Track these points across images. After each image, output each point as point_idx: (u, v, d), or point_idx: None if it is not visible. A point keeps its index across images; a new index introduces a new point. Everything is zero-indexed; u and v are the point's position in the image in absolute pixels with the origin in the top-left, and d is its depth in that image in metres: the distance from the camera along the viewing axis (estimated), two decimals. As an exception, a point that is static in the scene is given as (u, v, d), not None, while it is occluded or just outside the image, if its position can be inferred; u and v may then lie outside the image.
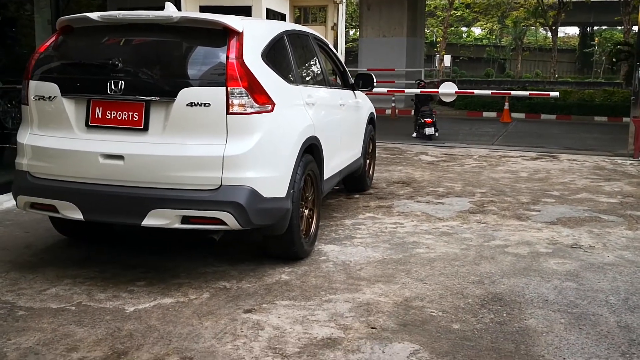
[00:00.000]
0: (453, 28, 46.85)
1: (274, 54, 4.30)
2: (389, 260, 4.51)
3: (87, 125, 3.88)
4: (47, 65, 4.01)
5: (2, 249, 4.64)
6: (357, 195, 6.75)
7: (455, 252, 4.75)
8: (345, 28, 39.28)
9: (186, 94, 3.71)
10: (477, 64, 45.20)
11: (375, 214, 5.90)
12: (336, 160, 5.34)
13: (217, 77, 3.73)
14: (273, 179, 3.96)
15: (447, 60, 36.23)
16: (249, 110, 3.78)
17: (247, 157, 3.77)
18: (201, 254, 4.55)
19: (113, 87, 3.78)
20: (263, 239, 4.35)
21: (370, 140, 6.99)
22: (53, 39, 4.14)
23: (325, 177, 4.95)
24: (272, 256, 4.44)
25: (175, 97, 3.71)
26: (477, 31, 53.74)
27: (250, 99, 3.77)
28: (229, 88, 3.71)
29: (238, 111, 3.74)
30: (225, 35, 3.87)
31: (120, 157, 3.76)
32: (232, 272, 4.22)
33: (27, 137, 4.04)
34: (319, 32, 11.76)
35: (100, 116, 3.85)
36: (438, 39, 41.12)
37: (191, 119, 3.73)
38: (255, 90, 3.83)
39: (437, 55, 38.68)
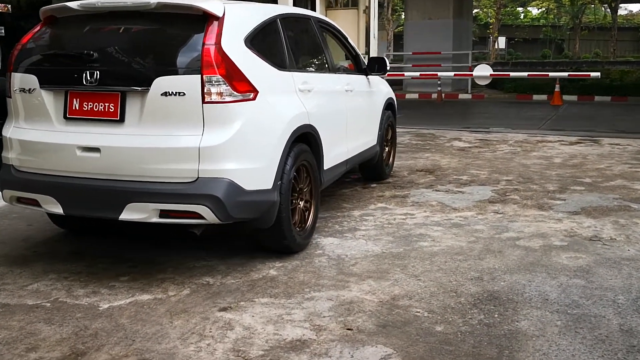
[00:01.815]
0: (508, 9, 45.42)
1: (261, 39, 4.11)
2: (387, 255, 4.28)
3: (65, 117, 3.79)
4: (27, 57, 3.94)
5: (0, 242, 4.64)
6: (374, 185, 6.51)
7: (462, 245, 4.47)
8: (395, 12, 38.63)
9: (160, 83, 3.56)
10: (533, 45, 43.77)
11: (387, 205, 5.65)
12: (341, 148, 5.11)
13: (193, 65, 3.57)
14: (255, 171, 3.78)
15: (502, 42, 35.22)
16: (227, 99, 3.61)
17: (225, 148, 3.60)
18: (195, 247, 4.42)
19: (89, 78, 3.67)
20: (254, 233, 4.19)
21: (389, 127, 6.72)
22: (36, 29, 4.07)
23: (325, 167, 4.74)
24: (265, 250, 4.28)
25: (150, 86, 3.57)
26: (534, 11, 51.94)
27: (228, 87, 3.60)
28: (204, 76, 3.54)
29: (215, 100, 3.57)
30: (204, 21, 3.70)
31: (96, 149, 3.66)
32: (220, 266, 4.08)
33: (10, 131, 3.99)
34: (349, 16, 11.51)
35: (77, 108, 3.75)
36: (491, 20, 39.94)
37: (166, 109, 3.58)
38: (235, 78, 3.65)
39: (491, 37, 37.61)
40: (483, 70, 8.96)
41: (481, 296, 3.56)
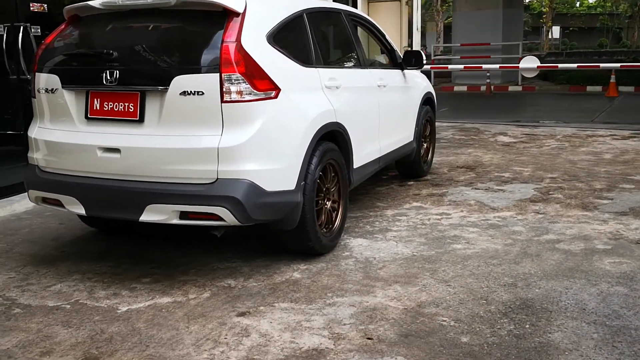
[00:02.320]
0: (563, -3, 44.04)
1: (285, 35, 3.98)
2: (417, 258, 4.11)
3: (86, 117, 3.75)
4: (51, 57, 3.92)
5: (31, 241, 4.67)
6: (411, 182, 6.32)
7: (497, 248, 4.26)
8: (445, 3, 37.89)
9: (179, 83, 3.48)
10: (590, 34, 42.32)
11: (423, 204, 5.46)
12: (372, 146, 4.95)
13: (211, 63, 3.46)
14: (277, 171, 3.66)
15: (556, 31, 34.15)
16: (247, 97, 3.49)
17: (245, 148, 3.50)
18: (221, 248, 4.35)
19: (109, 77, 3.62)
20: (279, 234, 4.08)
21: (427, 123, 6.52)
22: (60, 28, 4.05)
23: (355, 166, 4.59)
24: (290, 251, 4.17)
25: (169, 86, 3.49)
26: (590, -1, 50.19)
27: (248, 86, 3.48)
28: (223, 74, 3.43)
29: (234, 99, 3.46)
30: (224, 18, 3.60)
31: (117, 150, 3.61)
32: (243, 268, 3.99)
33: (35, 131, 3.98)
34: (392, 8, 11.28)
35: (98, 108, 3.71)
36: (545, 9, 38.77)
37: (185, 109, 3.50)
38: (255, 76, 3.54)
39: (544, 27, 36.53)
40: (530, 62, 8.59)
41: (513, 304, 3.35)
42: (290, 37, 4.07)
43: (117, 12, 3.87)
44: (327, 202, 4.25)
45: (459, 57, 21.07)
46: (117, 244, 4.56)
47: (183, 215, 3.56)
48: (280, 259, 4.11)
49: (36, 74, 3.92)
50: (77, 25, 4.01)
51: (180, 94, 3.47)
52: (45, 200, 3.97)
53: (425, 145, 6.58)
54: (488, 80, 17.44)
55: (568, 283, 3.61)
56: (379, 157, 5.12)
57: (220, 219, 3.52)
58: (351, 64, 4.89)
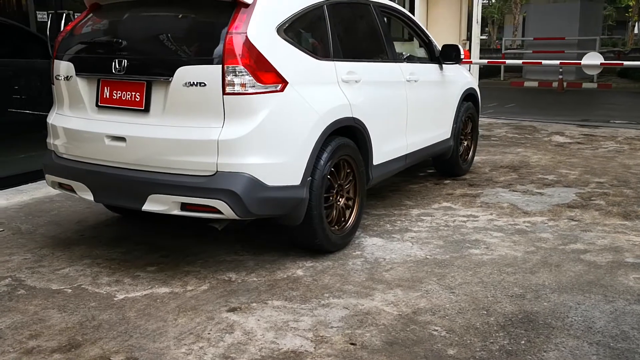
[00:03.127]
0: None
1: (300, 27, 3.90)
2: (430, 261, 3.95)
3: (97, 105, 3.80)
4: (68, 44, 3.98)
5: (56, 223, 4.80)
6: (447, 181, 6.11)
7: (516, 255, 4.04)
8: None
9: (183, 73, 3.46)
10: (681, 29, 39.78)
11: (452, 204, 5.27)
12: (398, 142, 4.80)
13: (215, 54, 3.42)
14: (280, 165, 3.59)
15: (643, 26, 32.33)
16: (250, 90, 3.43)
17: (246, 142, 3.44)
18: (234, 240, 4.33)
19: (117, 66, 3.64)
20: (288, 229, 4.01)
21: (468, 120, 6.28)
22: (81, 16, 4.12)
23: (375, 163, 4.46)
24: (299, 247, 4.10)
25: (172, 76, 3.48)
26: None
27: (252, 78, 3.42)
28: (226, 66, 3.38)
29: (237, 91, 3.41)
30: (233, 8, 3.55)
31: (122, 139, 3.63)
32: (249, 262, 3.95)
33: (53, 117, 4.07)
34: (451, 0, 10.93)
35: (108, 96, 3.74)
36: (631, 3, 36.80)
37: (188, 100, 3.48)
38: (260, 68, 3.47)
39: (629, 22, 34.72)
40: (592, 59, 8.13)
41: (515, 317, 3.16)
42: (305, 29, 3.98)
43: (133, 1, 3.89)
44: (340, 199, 4.15)
45: (531, 51, 20.31)
46: (135, 230, 4.61)
47: (184, 206, 3.55)
48: (288, 255, 4.05)
49: (55, 61, 4.00)
50: (97, 14, 4.05)
51: (183, 84, 3.45)
52: (61, 185, 4.05)
53: (465, 143, 6.34)
54: (560, 77, 16.71)
55: (582, 298, 3.38)
56: (406, 155, 4.96)
57: (218, 212, 3.48)
58: (377, 57, 4.74)
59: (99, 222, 4.84)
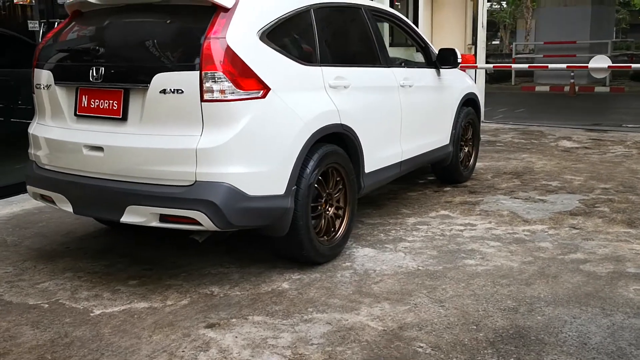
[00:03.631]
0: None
1: (284, 32, 3.77)
2: (421, 273, 3.80)
3: (75, 114, 3.70)
4: (48, 53, 3.89)
5: (42, 235, 4.70)
6: (447, 188, 5.95)
7: (512, 266, 3.88)
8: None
9: (159, 80, 3.34)
10: (696, 31, 39.20)
11: (450, 212, 5.11)
12: (392, 149, 4.66)
13: (192, 60, 3.30)
14: (262, 174, 3.46)
15: (658, 28, 31.91)
16: (230, 97, 3.31)
17: (225, 150, 3.32)
18: (222, 251, 4.20)
19: (94, 74, 3.54)
20: (274, 240, 3.88)
21: (468, 125, 6.12)
22: (62, 24, 4.02)
23: (367, 170, 4.32)
24: (287, 259, 3.96)
25: (149, 83, 3.36)
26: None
27: (231, 84, 3.30)
28: (203, 72, 3.26)
29: (216, 98, 3.29)
30: (213, 12, 3.44)
31: (100, 148, 3.53)
32: (234, 275, 3.82)
33: (33, 127, 3.97)
34: (456, 4, 10.78)
35: (86, 105, 3.64)
36: (645, 5, 36.33)
37: (165, 107, 3.36)
38: (240, 74, 3.35)
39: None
40: (599, 62, 7.94)
41: (505, 333, 3.00)
42: (291, 33, 3.86)
43: (113, 8, 3.79)
44: (330, 209, 4.01)
45: (542, 55, 20.06)
46: (121, 242, 4.50)
47: (163, 218, 3.43)
48: (275, 267, 3.92)
49: (35, 70, 3.91)
50: (77, 21, 3.96)
51: (160, 92, 3.34)
52: (42, 197, 3.95)
53: (466, 149, 6.18)
54: (572, 81, 16.47)
55: (578, 311, 3.21)
56: (401, 162, 4.81)
57: (198, 223, 3.36)
58: (368, 62, 4.60)
59: (86, 233, 4.73)
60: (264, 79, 3.45)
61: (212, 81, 3.27)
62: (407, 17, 9.54)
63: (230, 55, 3.32)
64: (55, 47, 3.90)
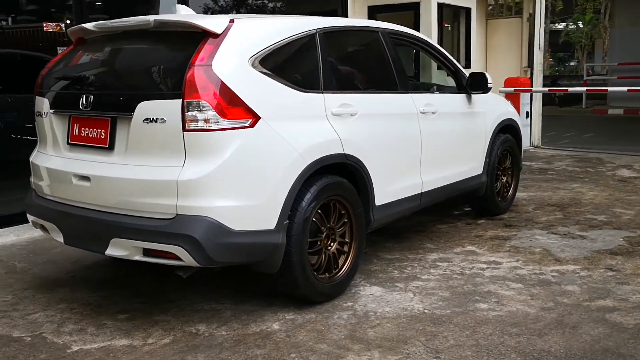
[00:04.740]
0: None
1: (282, 58, 3.59)
2: (425, 317, 3.49)
3: (68, 143, 3.64)
4: (48, 80, 3.86)
5: (52, 261, 4.67)
6: (482, 221, 5.57)
7: (528, 312, 3.51)
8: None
9: (143, 109, 3.22)
10: None
11: (477, 248, 4.75)
12: (409, 180, 4.37)
13: (175, 88, 3.17)
14: (249, 208, 3.26)
15: None
16: (214, 126, 3.15)
17: (207, 182, 3.14)
18: (221, 285, 4.03)
19: (84, 102, 3.47)
20: (269, 277, 3.66)
21: (506, 154, 5.74)
22: (65, 51, 4.00)
23: (379, 203, 4.06)
24: (284, 297, 3.74)
25: (133, 112, 3.25)
26: None
27: (215, 113, 3.14)
28: (186, 101, 3.12)
29: (199, 127, 3.13)
30: (201, 39, 3.30)
31: (87, 178, 3.43)
32: (226, 312, 3.63)
33: (34, 155, 3.94)
34: (512, 25, 10.34)
35: (77, 133, 3.57)
36: None
37: (148, 137, 3.23)
38: (226, 103, 3.18)
39: None
40: None
41: (499, 393, 2.66)
42: (289, 60, 3.67)
43: (111, 35, 3.73)
44: (332, 244, 3.77)
45: (615, 77, 19.10)
46: (126, 272, 4.40)
47: (146, 252, 3.29)
48: (271, 305, 3.70)
49: (36, 97, 3.89)
50: (79, 48, 3.92)
51: (143, 120, 3.22)
52: (42, 226, 3.90)
53: (504, 179, 5.80)
54: (647, 103, 15.57)
55: (590, 371, 2.83)
56: (421, 193, 4.51)
57: (179, 258, 3.19)
58: (382, 88, 4.35)
59: (95, 262, 4.66)
60: (253, 107, 3.27)
61: (197, 110, 3.12)
62: (458, 40, 9.24)
63: (216, 83, 3.17)
64: (53, 75, 3.86)
